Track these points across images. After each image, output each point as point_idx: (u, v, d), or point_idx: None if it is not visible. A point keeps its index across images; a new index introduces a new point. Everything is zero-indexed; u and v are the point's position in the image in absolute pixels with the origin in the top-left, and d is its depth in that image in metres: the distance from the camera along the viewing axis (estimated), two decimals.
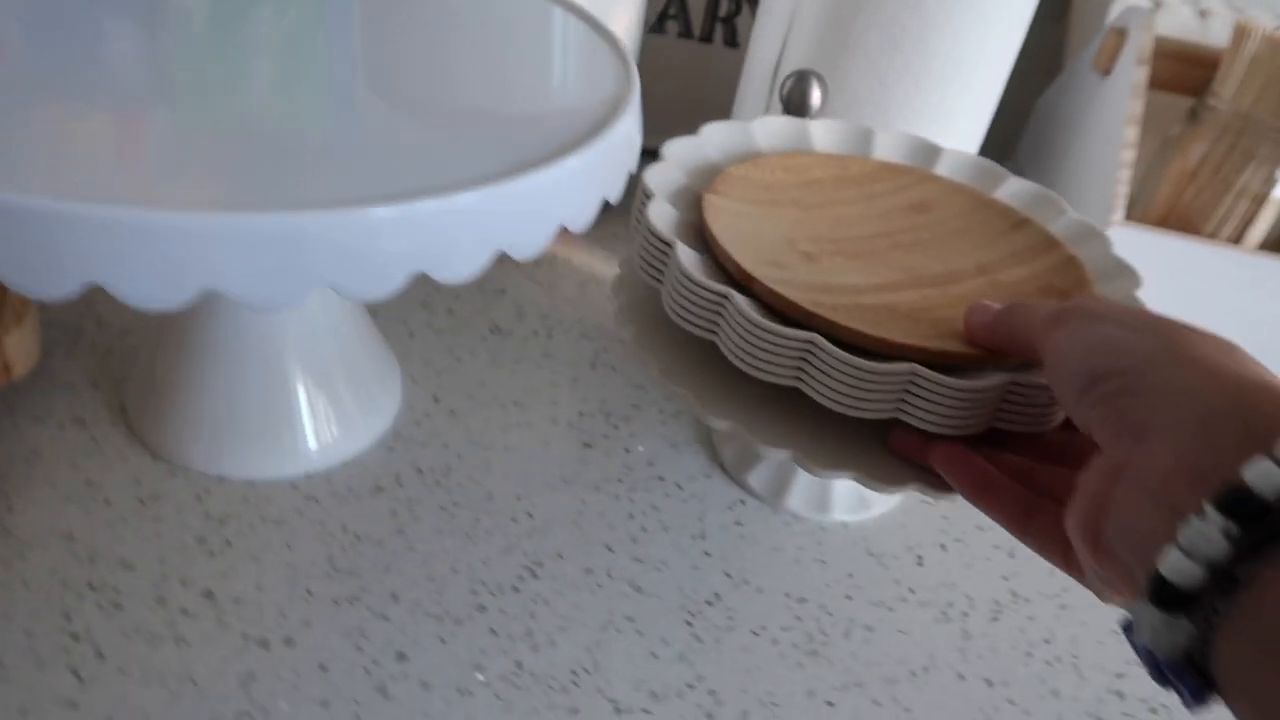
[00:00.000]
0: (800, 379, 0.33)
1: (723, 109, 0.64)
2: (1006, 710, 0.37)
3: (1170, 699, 0.38)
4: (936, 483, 0.35)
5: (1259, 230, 0.55)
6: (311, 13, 0.41)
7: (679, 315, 0.35)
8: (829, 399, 0.33)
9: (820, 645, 0.38)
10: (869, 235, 0.40)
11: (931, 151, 0.45)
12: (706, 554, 0.41)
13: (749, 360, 0.33)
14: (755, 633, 0.38)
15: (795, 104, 0.50)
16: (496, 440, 0.44)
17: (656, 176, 0.40)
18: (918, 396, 0.32)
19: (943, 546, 0.43)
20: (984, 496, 0.31)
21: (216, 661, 0.33)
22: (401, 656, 0.34)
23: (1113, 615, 0.41)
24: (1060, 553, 0.28)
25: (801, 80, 0.50)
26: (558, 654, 0.36)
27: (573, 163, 0.30)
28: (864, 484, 0.35)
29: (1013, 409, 0.33)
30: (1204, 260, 0.53)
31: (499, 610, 0.37)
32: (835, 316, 0.33)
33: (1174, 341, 0.25)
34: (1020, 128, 0.76)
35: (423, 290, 0.52)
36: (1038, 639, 0.40)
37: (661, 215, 0.38)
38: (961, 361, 0.33)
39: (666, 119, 0.72)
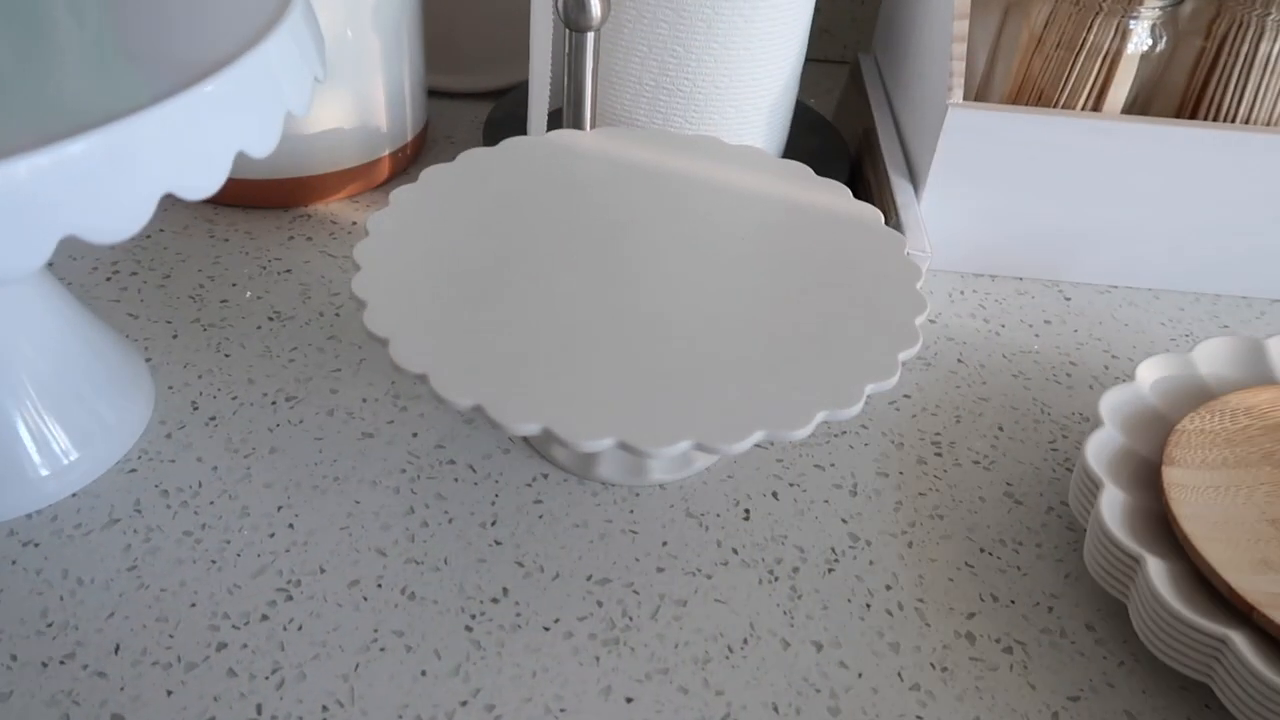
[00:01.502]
0: None
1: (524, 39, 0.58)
2: (837, 675, 0.32)
3: (1026, 633, 0.34)
4: (710, 434, 0.30)
5: (1119, 92, 0.50)
6: None
7: (1162, 652, 0.31)
8: None
9: (622, 632, 0.33)
10: None
11: None
12: (496, 543, 0.36)
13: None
14: (546, 628, 0.33)
15: (573, 18, 0.44)
16: (261, 444, 0.39)
17: (1096, 447, 0.34)
18: None
19: (774, 495, 0.38)
20: None
21: None
22: (117, 719, 0.30)
23: (965, 549, 0.37)
24: None
25: None
26: (307, 688, 0.31)
27: (170, 110, 0.24)
28: (629, 450, 0.30)
29: None
30: (1060, 134, 0.48)
31: (241, 645, 0.32)
32: None
33: None
34: (874, 12, 0.70)
35: (192, 283, 0.47)
36: (878, 586, 0.35)
37: (1116, 511, 0.33)
38: None
39: (473, 54, 0.66)
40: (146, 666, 0.31)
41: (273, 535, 0.35)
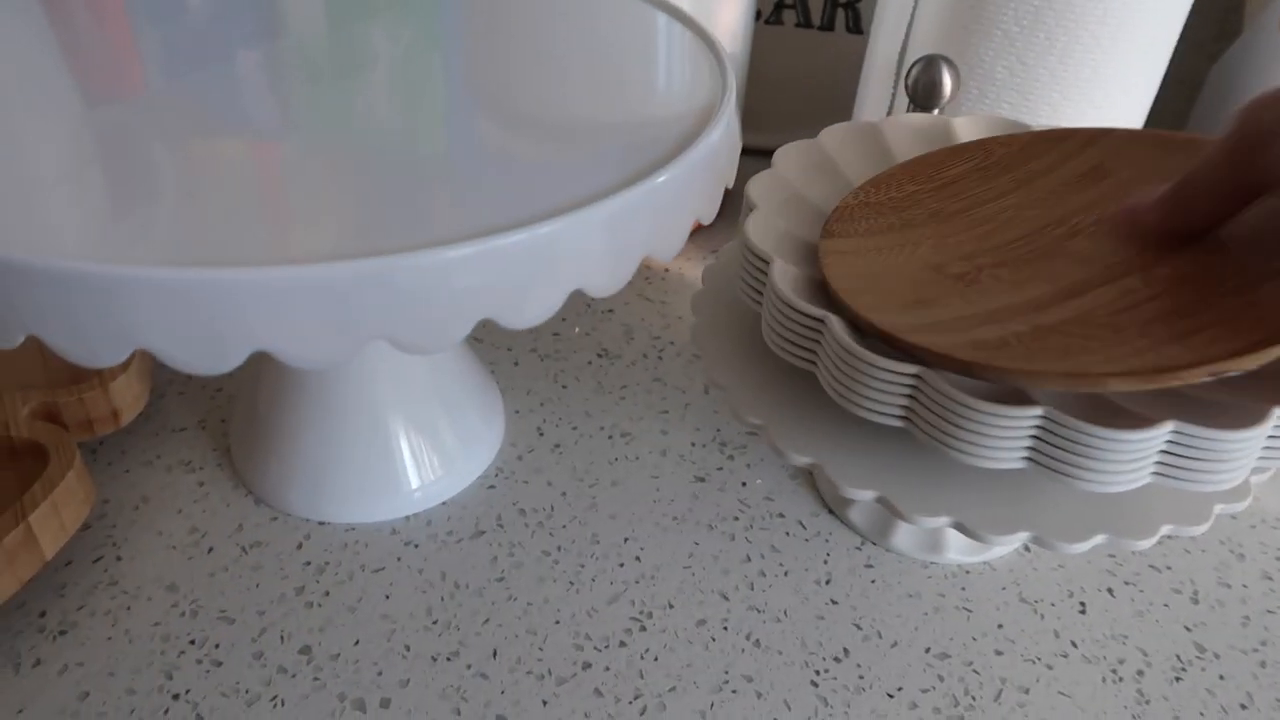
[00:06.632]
0: (910, 419, 0.29)
1: (847, 102, 0.60)
2: None
3: None
4: (1051, 529, 0.30)
5: None
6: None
7: (775, 343, 0.32)
8: (939, 445, 0.28)
9: (967, 710, 0.33)
10: (1036, 230, 0.32)
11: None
12: (833, 602, 0.37)
13: (846, 395, 0.30)
14: (890, 695, 0.34)
15: (923, 93, 0.45)
16: (603, 475, 0.41)
17: (761, 186, 0.37)
18: (1054, 446, 0.27)
19: (1110, 591, 0.38)
20: None
21: None
22: None
23: None
24: None
25: (930, 66, 0.45)
26: (668, 719, 0.32)
27: (655, 184, 0.27)
28: (966, 532, 0.30)
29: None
30: None
31: (605, 668, 0.34)
32: (960, 352, 0.27)
33: None
34: (1191, 100, 0.68)
35: None
36: (1232, 704, 0.34)
37: (762, 229, 0.34)
38: (1160, 380, 0.25)
39: (785, 116, 0.68)
40: (522, 675, 0.33)
41: (622, 565, 0.37)
